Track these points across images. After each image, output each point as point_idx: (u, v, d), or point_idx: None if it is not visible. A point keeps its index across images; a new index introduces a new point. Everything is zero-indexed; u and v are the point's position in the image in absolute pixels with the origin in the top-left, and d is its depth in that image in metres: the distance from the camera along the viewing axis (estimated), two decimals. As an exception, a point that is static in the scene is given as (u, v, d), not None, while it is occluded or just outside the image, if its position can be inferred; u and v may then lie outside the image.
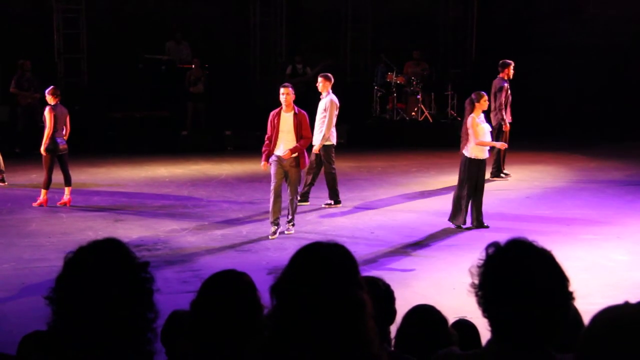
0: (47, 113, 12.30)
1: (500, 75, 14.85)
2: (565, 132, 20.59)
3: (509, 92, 14.82)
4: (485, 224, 11.12)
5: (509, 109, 14.92)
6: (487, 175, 12.77)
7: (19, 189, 13.88)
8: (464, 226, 11.11)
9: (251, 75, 21.82)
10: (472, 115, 11.04)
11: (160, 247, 10.24)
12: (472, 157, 11.03)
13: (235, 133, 19.29)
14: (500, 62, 14.98)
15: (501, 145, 12.51)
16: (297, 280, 2.53)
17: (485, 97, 11.18)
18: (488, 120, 13.04)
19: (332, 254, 2.58)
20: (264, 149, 10.89)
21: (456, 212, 11.18)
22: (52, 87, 12.65)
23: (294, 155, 10.70)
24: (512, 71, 14.86)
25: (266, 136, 10.89)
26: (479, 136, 10.99)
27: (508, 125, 14.81)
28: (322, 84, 12.57)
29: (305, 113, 10.93)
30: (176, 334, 3.85)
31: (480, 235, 10.65)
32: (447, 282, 8.57)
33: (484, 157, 11.16)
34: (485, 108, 11.25)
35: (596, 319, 2.02)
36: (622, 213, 12.03)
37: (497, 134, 14.55)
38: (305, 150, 10.96)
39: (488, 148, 11.29)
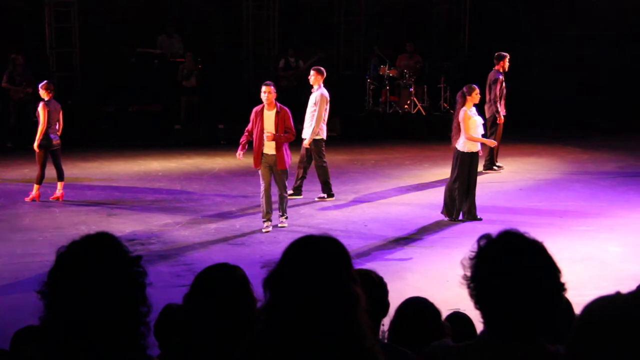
0: (40, 109, 12.23)
1: (496, 67, 14.87)
2: (557, 124, 20.60)
3: (504, 84, 14.84)
4: (479, 217, 11.14)
5: (503, 102, 14.93)
6: (480, 168, 12.78)
7: (12, 184, 13.84)
8: (456, 219, 11.14)
9: (244, 69, 21.77)
10: (463, 108, 11.06)
11: (153, 241, 10.24)
12: (465, 151, 11.05)
13: (228, 127, 19.24)
14: (496, 54, 15.00)
15: (490, 142, 12.27)
16: (289, 273, 2.53)
17: (477, 90, 11.19)
18: (482, 112, 13.05)
19: (325, 247, 2.58)
20: (242, 139, 10.95)
21: (448, 205, 11.21)
22: (45, 82, 12.55)
23: (273, 140, 10.62)
24: (507, 63, 14.88)
25: (246, 128, 10.92)
26: (469, 130, 11.00)
27: (502, 117, 14.82)
28: (314, 77, 12.57)
29: (287, 110, 10.87)
30: (169, 327, 3.85)
31: (472, 227, 10.67)
32: (440, 274, 8.59)
33: (476, 150, 11.18)
34: (477, 101, 11.25)
35: (588, 309, 2.03)
36: (615, 205, 12.06)
37: (491, 126, 14.59)
38: (287, 149, 10.87)
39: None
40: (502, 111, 14.83)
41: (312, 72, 12.69)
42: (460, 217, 11.17)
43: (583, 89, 21.26)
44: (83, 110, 18.36)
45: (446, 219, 11.19)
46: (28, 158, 16.22)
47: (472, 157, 11.13)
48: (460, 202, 11.13)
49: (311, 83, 12.66)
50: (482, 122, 11.36)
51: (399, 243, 10.19)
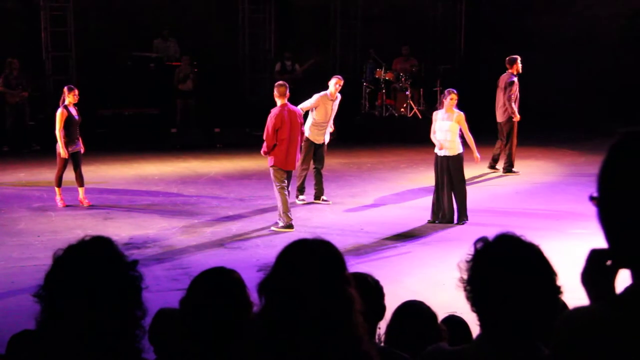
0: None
1: (509, 70, 15.07)
2: (554, 127, 20.63)
3: (517, 87, 15.08)
4: (455, 221, 11.18)
5: (517, 104, 15.13)
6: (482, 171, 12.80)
7: (7, 187, 13.82)
8: (439, 221, 11.27)
9: (240, 72, 21.78)
10: (436, 111, 11.36)
11: (149, 245, 10.23)
12: (435, 152, 11.27)
13: (225, 130, 19.27)
14: (508, 58, 15.18)
15: (440, 146, 11.34)
16: (284, 277, 2.53)
17: (452, 95, 11.24)
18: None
19: (318, 250, 2.58)
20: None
21: (432, 209, 11.31)
22: (70, 85, 12.44)
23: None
24: (520, 65, 15.06)
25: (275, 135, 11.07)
26: (432, 132, 11.26)
27: (518, 116, 15.06)
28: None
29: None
30: (163, 331, 3.84)
31: (469, 230, 10.69)
32: (436, 277, 8.59)
33: (444, 154, 11.18)
34: (452, 105, 11.24)
35: (561, 322, 2.04)
36: (611, 207, 12.04)
37: (509, 127, 15.00)
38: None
39: (455, 143, 11.23)
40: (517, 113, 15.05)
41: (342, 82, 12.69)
42: (456, 221, 11.24)
43: (579, 92, 21.29)
44: (79, 113, 18.35)
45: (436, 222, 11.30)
46: (23, 162, 16.24)
47: (443, 159, 11.20)
48: (436, 204, 11.22)
49: (337, 91, 12.59)
50: (445, 128, 11.21)
51: (395, 246, 10.20)
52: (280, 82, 11.55)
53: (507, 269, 2.44)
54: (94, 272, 2.46)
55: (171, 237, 10.64)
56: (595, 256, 2.03)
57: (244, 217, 11.69)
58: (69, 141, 12.12)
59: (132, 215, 11.82)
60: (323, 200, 12.64)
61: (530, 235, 2.55)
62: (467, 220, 11.21)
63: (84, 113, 12.63)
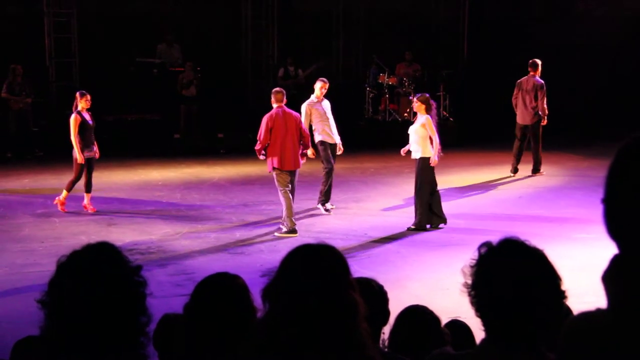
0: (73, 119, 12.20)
1: (535, 74, 15.27)
2: (557, 131, 20.60)
3: None
4: (413, 227, 11.17)
5: None
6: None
7: (11, 194, 13.83)
8: (434, 225, 11.29)
9: (243, 78, 21.80)
10: None
11: (153, 250, 10.23)
12: None
13: (228, 135, 19.27)
14: (533, 62, 15.38)
15: (407, 148, 11.91)
16: (287, 282, 2.53)
17: (413, 100, 11.43)
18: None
19: (323, 256, 2.58)
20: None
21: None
22: (82, 91, 12.45)
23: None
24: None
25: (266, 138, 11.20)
26: None
27: (546, 119, 15.37)
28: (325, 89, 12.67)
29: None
30: (167, 337, 3.84)
31: (473, 235, 10.66)
32: (440, 282, 8.59)
33: (414, 157, 11.40)
34: (420, 110, 11.28)
35: (567, 327, 2.04)
36: (615, 212, 12.01)
37: (537, 129, 15.30)
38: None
39: (412, 148, 11.51)
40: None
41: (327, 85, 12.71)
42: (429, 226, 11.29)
43: (582, 97, 21.28)
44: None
45: (443, 227, 11.27)
46: (27, 168, 16.26)
47: (415, 162, 11.39)
48: (428, 209, 11.29)
49: (322, 95, 12.59)
50: (412, 130, 11.49)
51: (398, 251, 10.20)
52: (277, 88, 11.60)
53: (511, 273, 2.43)
54: (97, 278, 2.46)
55: (175, 242, 10.64)
56: (618, 260, 2.02)
57: (248, 223, 11.69)
58: (84, 146, 12.12)
59: (136, 221, 11.82)
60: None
61: (534, 239, 2.55)
62: (423, 228, 11.14)
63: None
